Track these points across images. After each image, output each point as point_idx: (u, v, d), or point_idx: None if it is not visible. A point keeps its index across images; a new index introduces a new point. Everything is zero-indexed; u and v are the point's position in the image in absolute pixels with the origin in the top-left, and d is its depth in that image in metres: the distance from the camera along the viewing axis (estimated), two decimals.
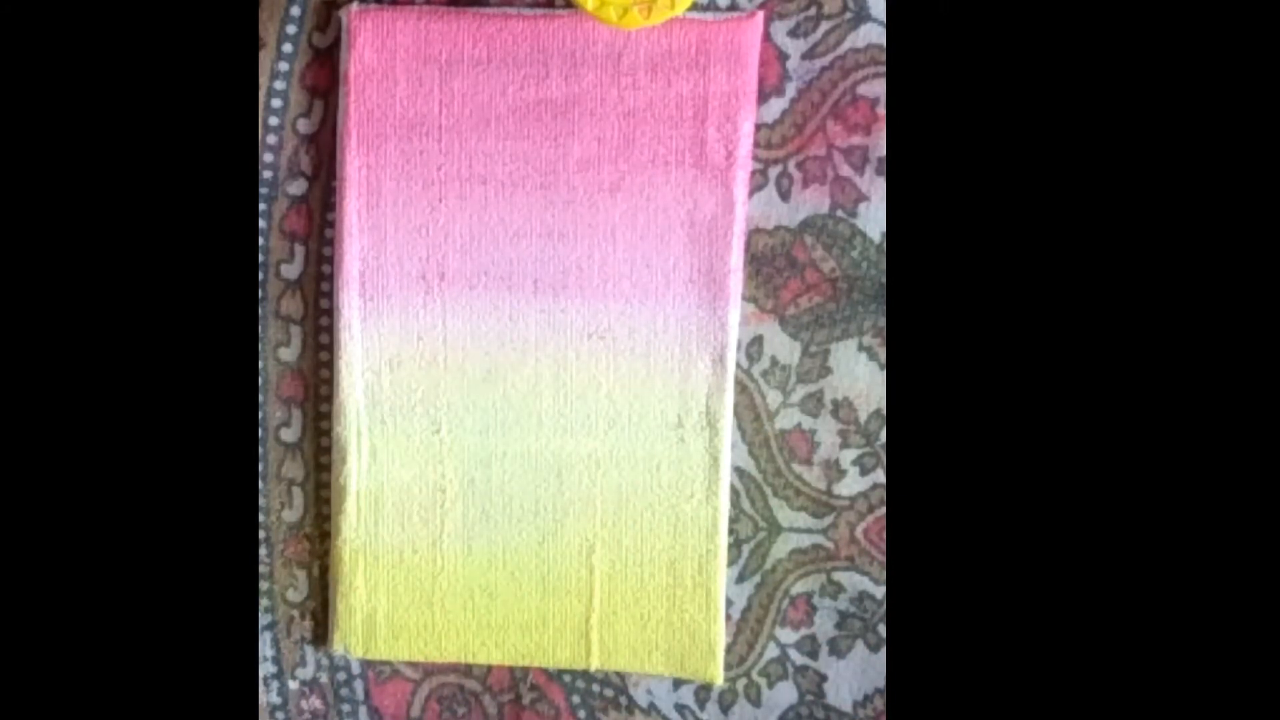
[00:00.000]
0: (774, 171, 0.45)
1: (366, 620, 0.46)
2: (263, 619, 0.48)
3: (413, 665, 0.48)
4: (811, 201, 0.45)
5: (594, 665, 0.46)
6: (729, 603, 0.46)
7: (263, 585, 0.48)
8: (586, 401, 0.45)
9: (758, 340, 0.46)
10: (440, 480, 0.46)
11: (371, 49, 0.44)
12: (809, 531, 0.46)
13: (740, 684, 0.47)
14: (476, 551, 0.46)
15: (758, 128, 0.44)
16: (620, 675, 0.47)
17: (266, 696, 0.48)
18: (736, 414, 0.46)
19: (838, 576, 0.46)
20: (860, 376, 0.45)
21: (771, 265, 0.45)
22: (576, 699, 0.48)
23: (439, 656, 0.47)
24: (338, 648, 0.47)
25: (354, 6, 0.44)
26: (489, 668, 0.48)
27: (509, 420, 0.45)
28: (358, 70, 0.44)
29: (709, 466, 0.45)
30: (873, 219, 0.45)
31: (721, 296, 0.44)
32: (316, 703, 0.48)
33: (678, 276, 0.44)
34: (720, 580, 0.45)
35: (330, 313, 0.46)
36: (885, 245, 0.44)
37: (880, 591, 0.46)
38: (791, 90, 0.44)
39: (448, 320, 0.45)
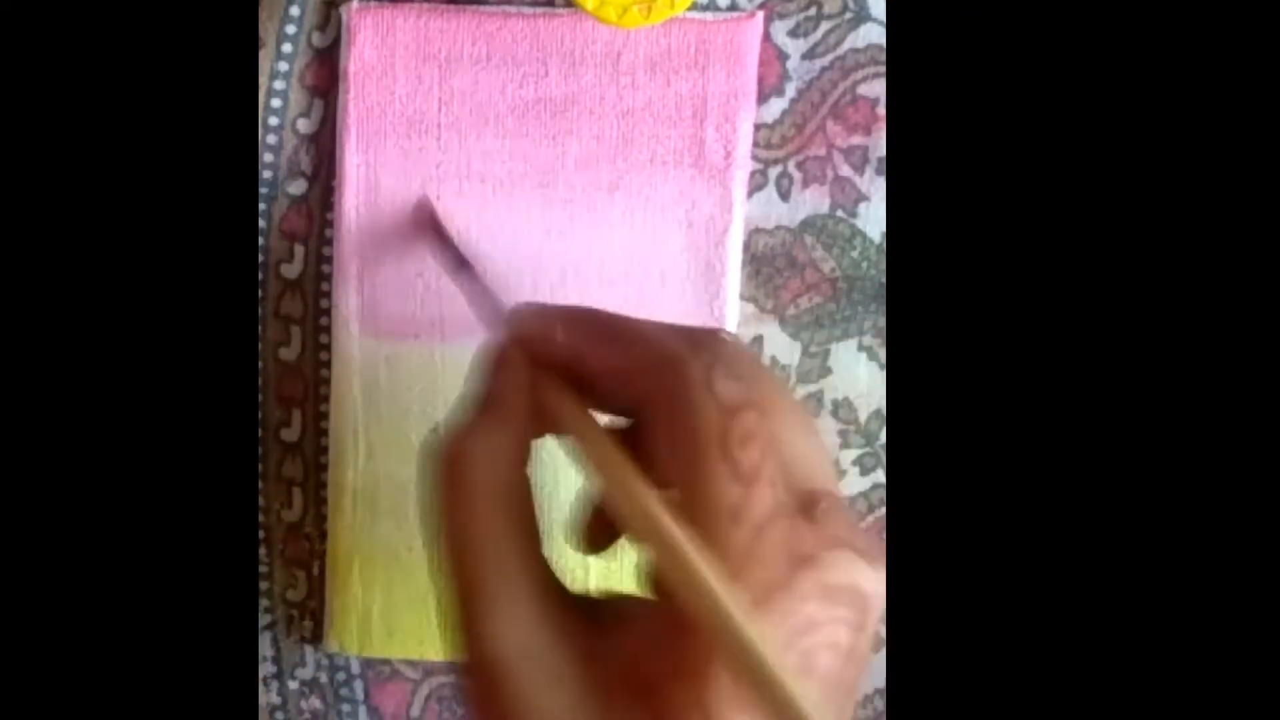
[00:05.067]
0: (774, 171, 0.45)
1: (361, 618, 0.46)
2: (263, 619, 0.48)
3: (413, 665, 0.48)
4: (811, 201, 0.45)
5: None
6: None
7: (263, 585, 0.48)
8: None
9: (758, 340, 0.46)
10: None
11: (371, 46, 0.44)
12: None
13: None
14: None
15: (757, 128, 0.44)
16: None
17: (266, 696, 0.48)
18: None
19: None
20: (860, 376, 0.45)
21: (771, 265, 0.45)
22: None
23: (434, 655, 0.47)
24: (332, 645, 0.46)
25: (354, 4, 0.44)
26: None
27: None
28: (357, 67, 0.44)
29: None
30: (873, 219, 0.45)
31: (719, 297, 0.44)
32: (316, 703, 0.48)
33: (675, 276, 0.44)
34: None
35: (330, 312, 0.46)
36: (885, 245, 0.44)
37: None
38: (791, 90, 0.45)
39: (445, 319, 0.45)
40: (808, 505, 0.28)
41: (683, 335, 0.31)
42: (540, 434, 0.33)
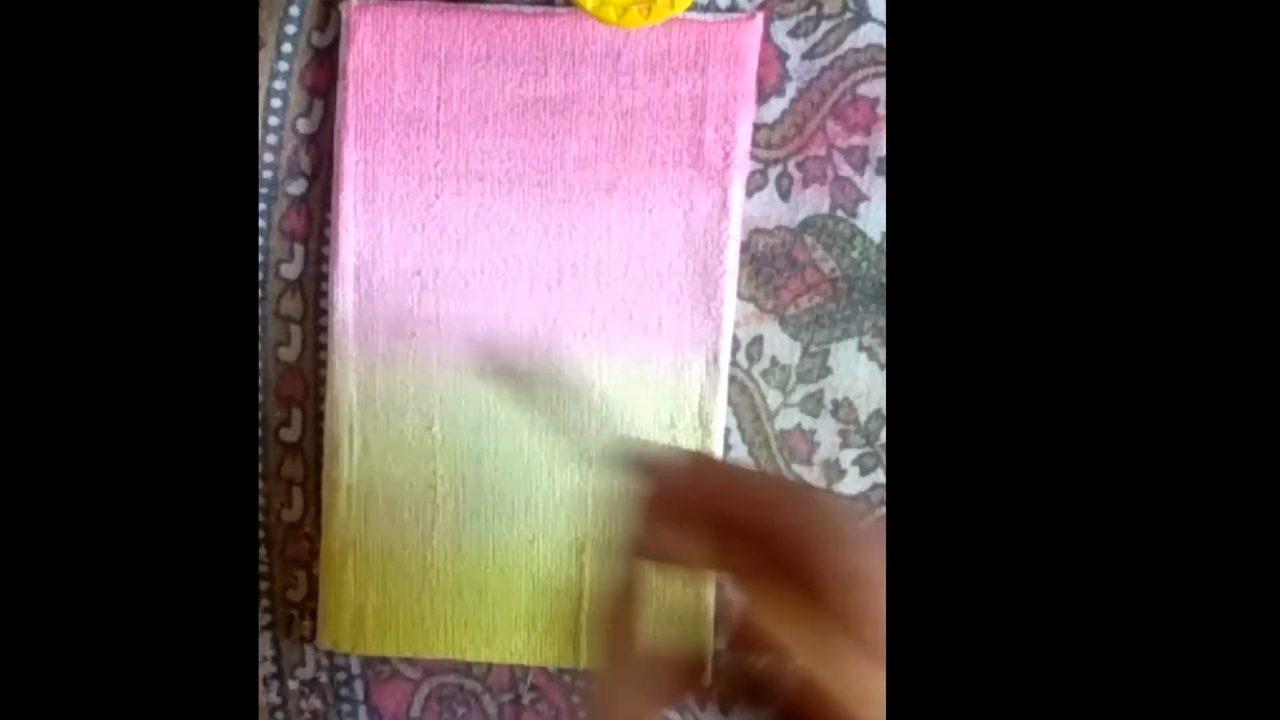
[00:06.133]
0: (774, 171, 0.45)
1: (355, 615, 0.46)
2: (263, 619, 0.48)
3: (413, 665, 0.48)
4: (811, 201, 0.45)
5: (583, 664, 0.46)
6: (729, 602, 0.46)
7: (263, 585, 0.48)
8: (580, 400, 0.45)
9: (758, 340, 0.46)
10: (432, 477, 0.46)
11: (371, 44, 0.44)
12: None
13: None
14: (467, 548, 0.46)
15: (757, 128, 0.45)
16: None
17: (266, 696, 0.48)
18: (737, 414, 0.46)
19: None
20: (860, 376, 0.45)
21: (771, 265, 0.45)
22: (577, 699, 0.48)
23: (427, 653, 0.47)
24: (325, 642, 0.46)
25: (353, 1, 0.44)
26: (489, 668, 0.48)
27: (501, 418, 0.45)
28: (356, 65, 0.44)
29: None
30: (873, 219, 0.45)
31: (716, 298, 0.44)
32: (316, 703, 0.48)
33: (673, 277, 0.44)
34: (711, 581, 0.45)
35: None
36: (885, 245, 0.44)
37: None
38: (791, 90, 0.45)
39: (442, 317, 0.45)
40: None
41: (807, 498, 0.32)
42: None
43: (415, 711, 0.48)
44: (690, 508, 0.32)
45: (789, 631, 0.30)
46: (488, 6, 0.44)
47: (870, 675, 0.29)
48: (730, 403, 0.45)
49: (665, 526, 0.33)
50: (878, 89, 0.44)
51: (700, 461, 0.34)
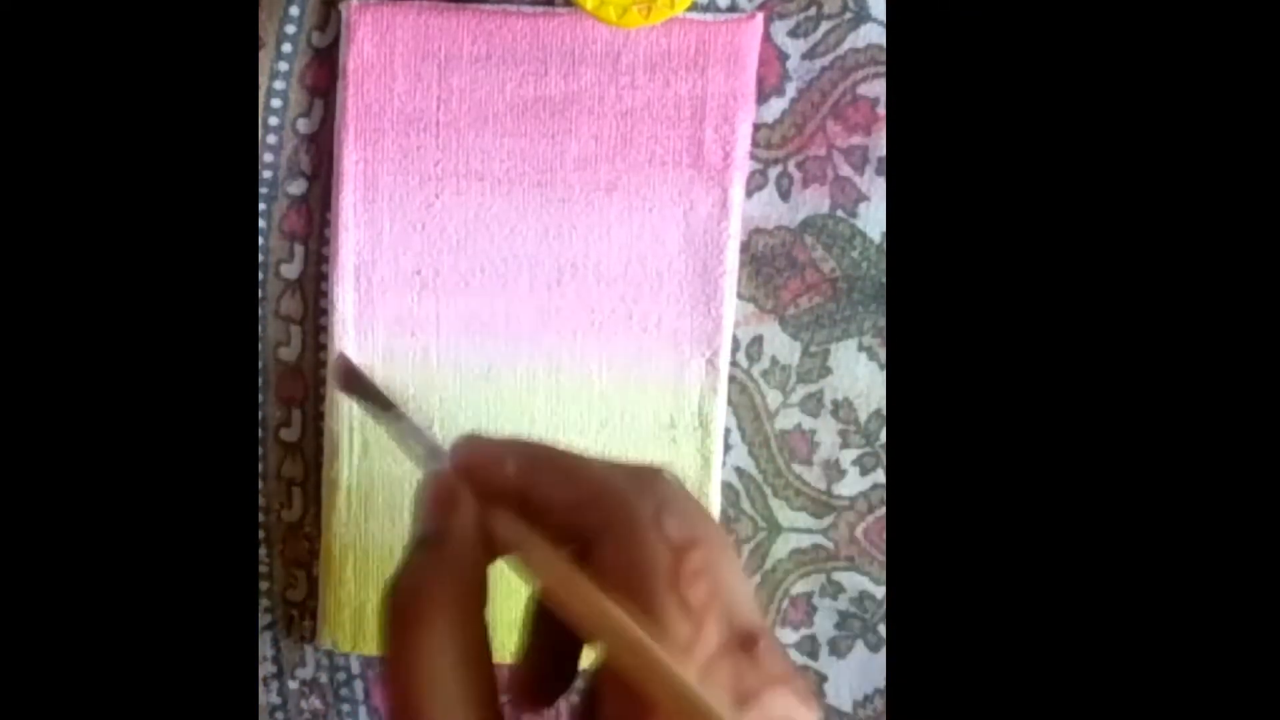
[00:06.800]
0: (774, 171, 0.45)
1: (355, 615, 0.46)
2: (263, 619, 0.48)
3: None
4: (811, 201, 0.45)
5: (582, 664, 0.46)
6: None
7: (263, 585, 0.48)
8: (579, 400, 0.45)
9: (758, 340, 0.46)
10: None
11: (371, 43, 0.44)
12: (809, 531, 0.46)
13: None
14: None
15: (757, 128, 0.44)
16: None
17: (266, 696, 0.48)
18: (736, 414, 0.46)
19: (838, 576, 0.46)
20: (860, 376, 0.45)
21: (771, 265, 0.45)
22: (576, 699, 0.48)
23: None
24: (325, 641, 0.46)
25: (354, 1, 0.44)
26: None
27: (501, 418, 0.45)
28: (356, 64, 0.44)
29: (700, 468, 0.45)
30: (873, 219, 0.45)
31: (716, 298, 0.44)
32: (316, 703, 0.48)
33: (672, 277, 0.44)
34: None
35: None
36: (885, 245, 0.44)
37: (880, 591, 0.46)
38: (791, 90, 0.45)
39: (442, 316, 0.45)
40: (748, 642, 0.29)
41: (629, 473, 0.31)
42: (489, 563, 0.32)
43: None
44: (494, 489, 0.32)
45: (589, 612, 0.29)
46: (488, 6, 0.44)
47: (692, 632, 0.28)
48: (730, 403, 0.45)
49: (467, 508, 0.32)
50: (878, 89, 0.44)
51: (511, 444, 0.33)
